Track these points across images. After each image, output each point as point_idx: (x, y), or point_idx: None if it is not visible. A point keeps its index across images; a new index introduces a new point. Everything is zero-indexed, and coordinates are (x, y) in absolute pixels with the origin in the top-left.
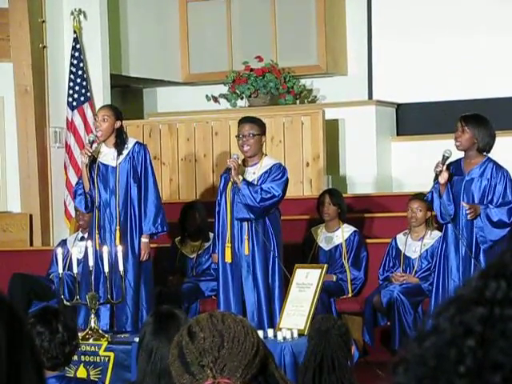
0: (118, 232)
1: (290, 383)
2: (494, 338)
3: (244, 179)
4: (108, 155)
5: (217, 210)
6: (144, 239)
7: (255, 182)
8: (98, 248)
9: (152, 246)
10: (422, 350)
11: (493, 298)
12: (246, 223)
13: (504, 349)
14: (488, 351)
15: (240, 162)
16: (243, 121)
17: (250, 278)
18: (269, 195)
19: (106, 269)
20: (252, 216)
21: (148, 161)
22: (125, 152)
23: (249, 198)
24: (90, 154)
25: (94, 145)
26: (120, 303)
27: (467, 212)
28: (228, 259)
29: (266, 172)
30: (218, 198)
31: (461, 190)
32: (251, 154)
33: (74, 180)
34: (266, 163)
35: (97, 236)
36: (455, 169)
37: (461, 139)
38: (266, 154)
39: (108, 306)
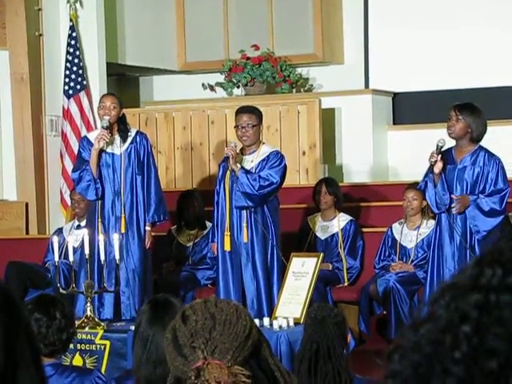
0: (123, 220)
1: (284, 370)
2: (489, 324)
3: (242, 167)
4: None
5: (215, 199)
6: (147, 227)
7: (253, 170)
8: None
9: None
10: (417, 337)
11: (488, 284)
12: (244, 211)
13: (500, 335)
14: (484, 337)
15: (238, 150)
16: (241, 111)
17: (249, 266)
18: (267, 182)
19: (102, 257)
20: (251, 204)
21: (150, 150)
22: (128, 140)
23: (247, 186)
24: (107, 140)
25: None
26: (114, 292)
27: (452, 206)
28: (227, 248)
29: (263, 160)
30: (217, 187)
31: (454, 179)
32: (249, 143)
33: (70, 168)
34: (264, 151)
35: (100, 224)
36: (446, 158)
37: (454, 128)
38: (263, 142)
39: (112, 294)
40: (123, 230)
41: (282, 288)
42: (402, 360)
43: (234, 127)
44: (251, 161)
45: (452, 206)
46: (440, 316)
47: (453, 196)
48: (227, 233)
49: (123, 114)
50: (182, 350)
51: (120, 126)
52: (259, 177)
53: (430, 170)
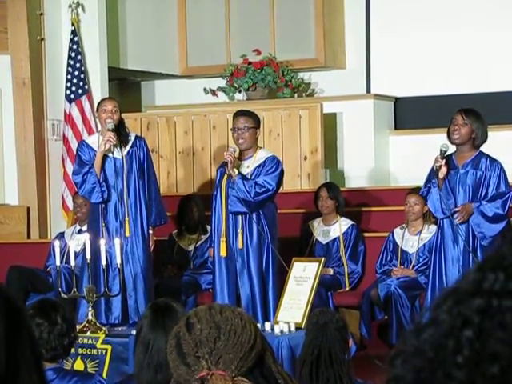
0: (127, 223)
1: (288, 377)
2: (491, 328)
3: (239, 173)
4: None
5: (213, 204)
6: (150, 231)
7: (249, 176)
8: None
9: None
10: (419, 342)
11: (491, 289)
12: (240, 217)
13: (502, 339)
14: (486, 342)
15: (237, 155)
16: (238, 114)
17: (244, 273)
18: (263, 189)
19: (104, 261)
20: (246, 210)
21: (149, 154)
22: (128, 144)
23: (243, 193)
24: (114, 142)
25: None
26: (116, 296)
27: (455, 216)
28: (223, 253)
29: (259, 166)
30: (215, 192)
31: (456, 183)
32: (246, 146)
33: (71, 172)
34: (260, 156)
35: (104, 229)
36: (447, 163)
37: (459, 132)
38: (260, 147)
39: (120, 299)
40: (128, 234)
41: (283, 293)
42: (405, 364)
43: (231, 129)
44: (247, 166)
45: (455, 216)
46: (442, 321)
47: (455, 209)
48: (223, 238)
49: (122, 118)
50: (186, 358)
51: (120, 130)
52: (255, 183)
53: (435, 174)
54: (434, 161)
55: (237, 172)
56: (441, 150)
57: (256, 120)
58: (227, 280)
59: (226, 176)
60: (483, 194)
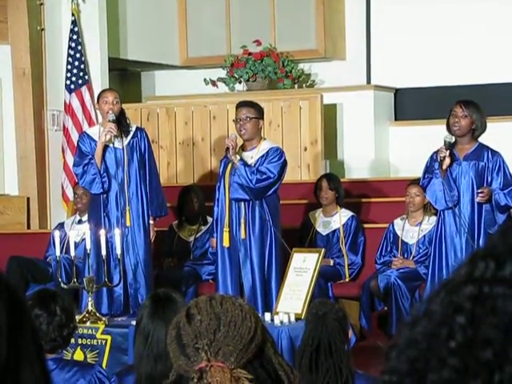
0: (128, 213)
1: (288, 368)
2: (483, 314)
3: (241, 159)
4: (112, 137)
5: (217, 195)
6: (151, 221)
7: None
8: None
9: None
10: (413, 334)
11: (482, 277)
12: (243, 207)
13: (494, 325)
14: (478, 328)
15: (239, 143)
16: (240, 105)
17: (247, 263)
18: (264, 176)
19: (104, 252)
20: (247, 196)
21: (150, 145)
22: (129, 134)
23: (244, 179)
24: (115, 133)
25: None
26: (116, 286)
27: (480, 195)
28: (226, 244)
29: (262, 156)
30: (218, 183)
31: (459, 174)
32: (248, 136)
33: (71, 163)
34: (264, 147)
35: (105, 218)
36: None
37: (460, 124)
38: (264, 139)
39: (122, 288)
40: (128, 224)
41: (283, 283)
42: (399, 357)
43: (233, 121)
44: (251, 157)
45: (480, 195)
46: (435, 311)
47: (479, 190)
48: (226, 229)
49: (123, 108)
50: (186, 349)
51: (121, 120)
52: (257, 170)
53: (439, 165)
54: (434, 152)
55: (239, 158)
56: (445, 141)
57: (258, 111)
58: (230, 270)
59: (229, 166)
60: (488, 183)
